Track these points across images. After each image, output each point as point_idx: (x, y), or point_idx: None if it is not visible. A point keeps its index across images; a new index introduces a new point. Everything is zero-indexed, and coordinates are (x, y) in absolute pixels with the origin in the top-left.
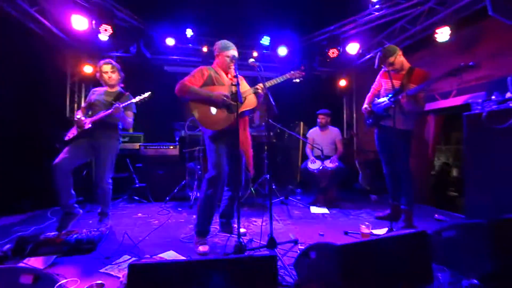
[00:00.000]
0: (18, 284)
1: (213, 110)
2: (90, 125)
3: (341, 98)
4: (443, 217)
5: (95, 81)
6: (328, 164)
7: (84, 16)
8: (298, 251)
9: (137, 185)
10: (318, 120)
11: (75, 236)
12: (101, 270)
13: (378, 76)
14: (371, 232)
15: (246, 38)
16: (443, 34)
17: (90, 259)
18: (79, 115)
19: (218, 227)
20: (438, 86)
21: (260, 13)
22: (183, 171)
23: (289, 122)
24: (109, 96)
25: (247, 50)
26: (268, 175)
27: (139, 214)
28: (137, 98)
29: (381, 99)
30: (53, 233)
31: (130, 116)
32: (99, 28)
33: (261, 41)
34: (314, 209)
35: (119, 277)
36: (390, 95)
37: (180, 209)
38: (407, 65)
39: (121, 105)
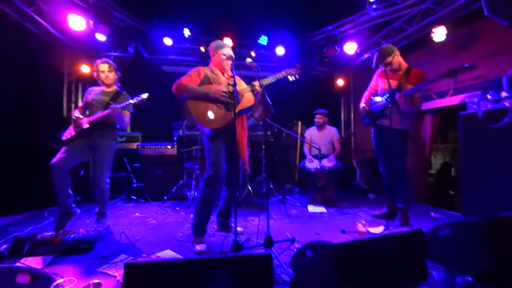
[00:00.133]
0: (14, 283)
1: (211, 108)
2: (87, 125)
3: (339, 97)
4: (439, 215)
5: (93, 81)
6: (326, 163)
7: (82, 15)
8: (295, 250)
9: (135, 185)
10: (316, 119)
11: (73, 235)
12: (98, 270)
13: (375, 76)
14: (368, 230)
15: (243, 37)
16: (439, 33)
17: (87, 259)
18: (76, 114)
19: (215, 226)
20: (434, 85)
21: (258, 13)
22: (181, 171)
23: (287, 121)
24: (106, 96)
25: (244, 50)
26: (265, 174)
27: (137, 214)
28: (135, 99)
29: (378, 98)
30: (50, 233)
31: (127, 116)
32: (96, 28)
33: (259, 41)
34: (312, 208)
35: (116, 277)
36: (386, 95)
37: (178, 208)
38: (404, 65)
39: (119, 106)
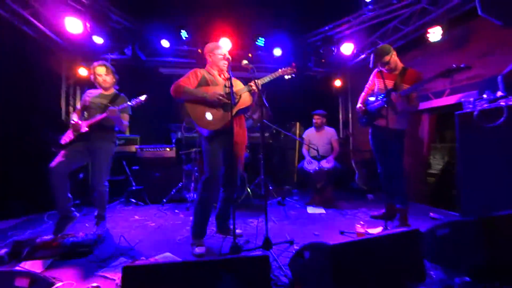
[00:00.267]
0: (14, 286)
1: (208, 110)
2: (86, 129)
3: (337, 98)
4: (438, 215)
5: (90, 84)
6: (324, 164)
7: (79, 18)
8: (294, 251)
9: (134, 188)
10: (314, 120)
11: (72, 239)
12: (97, 273)
13: (372, 76)
14: (366, 231)
15: (240, 39)
16: (435, 34)
17: (87, 262)
18: (75, 117)
19: (214, 228)
20: (431, 85)
21: (254, 14)
22: (180, 173)
23: (285, 122)
24: (104, 99)
25: (241, 51)
26: (264, 176)
27: (136, 217)
28: (133, 102)
29: (374, 99)
30: (49, 237)
31: (126, 119)
32: (93, 30)
33: (256, 42)
34: (311, 209)
35: (115, 280)
36: (382, 95)
37: (177, 211)
38: (400, 65)
39: (117, 108)
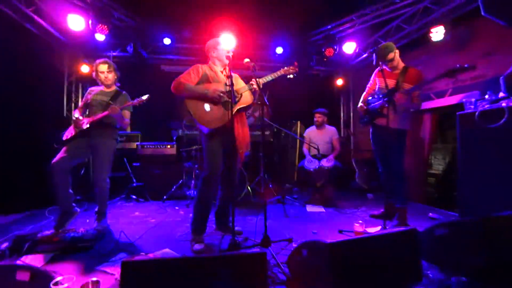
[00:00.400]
0: (14, 281)
1: (209, 107)
2: (87, 126)
3: (338, 97)
4: (437, 215)
5: (92, 81)
6: (325, 163)
7: (81, 15)
8: (292, 249)
9: (134, 184)
10: (315, 118)
11: (72, 234)
12: (97, 268)
13: (373, 75)
14: (365, 230)
15: (242, 37)
16: (438, 33)
17: (87, 257)
18: (76, 114)
19: (214, 225)
20: (433, 85)
21: (256, 12)
22: (180, 170)
23: (287, 121)
24: (106, 96)
25: (243, 50)
26: (264, 174)
27: (136, 213)
28: (136, 101)
29: (375, 98)
30: (50, 232)
31: (127, 116)
32: (95, 28)
33: (257, 41)
34: (310, 208)
35: (114, 275)
36: (382, 95)
37: (177, 207)
38: (401, 64)
39: (119, 107)
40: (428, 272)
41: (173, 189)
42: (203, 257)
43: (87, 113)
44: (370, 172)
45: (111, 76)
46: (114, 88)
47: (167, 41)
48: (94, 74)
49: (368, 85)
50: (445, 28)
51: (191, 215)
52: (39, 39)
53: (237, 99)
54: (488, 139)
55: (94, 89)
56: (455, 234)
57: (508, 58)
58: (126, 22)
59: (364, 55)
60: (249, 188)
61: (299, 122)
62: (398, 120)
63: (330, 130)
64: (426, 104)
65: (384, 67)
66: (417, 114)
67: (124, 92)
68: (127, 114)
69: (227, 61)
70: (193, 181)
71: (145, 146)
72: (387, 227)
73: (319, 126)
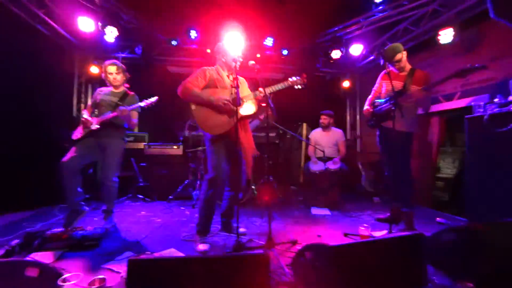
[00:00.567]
0: (24, 276)
1: (213, 114)
2: (97, 126)
3: (345, 99)
4: (445, 220)
5: (101, 81)
6: (330, 165)
7: (91, 18)
8: (296, 251)
9: (141, 184)
10: (321, 120)
11: (81, 232)
12: (104, 266)
13: (379, 78)
14: (371, 234)
15: (249, 39)
16: (446, 35)
17: (94, 255)
18: (85, 114)
19: (219, 226)
20: (441, 88)
21: (263, 14)
22: (186, 171)
23: (292, 123)
24: (114, 97)
25: (249, 51)
26: (269, 176)
27: (143, 212)
28: (144, 103)
29: (381, 100)
30: (59, 229)
31: (135, 117)
32: (105, 30)
33: (264, 42)
34: (315, 210)
35: (120, 273)
36: (389, 98)
37: (182, 208)
38: (408, 66)
39: (127, 108)
40: (434, 277)
41: (178, 190)
42: (208, 257)
43: (96, 113)
44: (376, 175)
45: (120, 77)
46: (122, 89)
47: (174, 42)
48: (103, 75)
49: (374, 88)
50: (453, 31)
51: (196, 215)
52: (50, 41)
53: (240, 107)
54: (497, 143)
55: (103, 89)
56: (462, 239)
57: None
58: (135, 24)
59: (371, 57)
60: (254, 189)
61: (304, 124)
62: (405, 122)
63: (337, 132)
64: (434, 107)
65: (390, 68)
66: (424, 117)
67: (132, 93)
68: (135, 114)
69: (232, 66)
70: (198, 182)
71: (152, 147)
72: (393, 231)
73: (325, 128)
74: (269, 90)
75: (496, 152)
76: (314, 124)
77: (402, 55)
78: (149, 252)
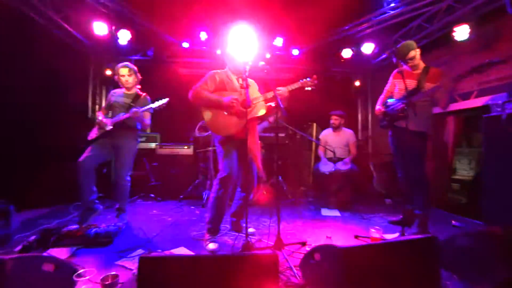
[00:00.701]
0: (41, 270)
1: (222, 115)
2: (111, 127)
3: (356, 99)
4: (460, 223)
5: (115, 83)
6: (341, 166)
7: (104, 22)
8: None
9: (152, 183)
10: (331, 121)
11: (95, 230)
12: (116, 262)
13: (391, 78)
14: (382, 236)
15: (258, 39)
16: (461, 32)
17: (107, 252)
18: (100, 116)
19: (229, 226)
20: (458, 86)
21: (273, 14)
22: (196, 171)
23: (302, 123)
24: (127, 98)
25: (259, 52)
26: (279, 176)
27: (154, 211)
28: (156, 104)
29: (393, 100)
30: (74, 227)
31: (147, 117)
32: (118, 33)
33: (273, 42)
34: (325, 211)
35: (132, 269)
36: (402, 97)
37: (193, 207)
38: (422, 64)
39: (140, 110)
40: (448, 282)
41: (189, 189)
42: (217, 256)
43: (109, 114)
44: (388, 176)
45: (132, 79)
46: (134, 90)
47: (185, 44)
48: (116, 77)
49: (386, 88)
50: (469, 27)
51: (206, 214)
52: (66, 44)
53: (250, 108)
54: None
55: (117, 91)
56: (477, 243)
57: None
58: (147, 27)
59: (383, 56)
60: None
61: (315, 124)
62: (419, 122)
63: (347, 133)
64: (450, 106)
65: (404, 67)
66: (440, 117)
67: (144, 94)
68: (147, 115)
69: (244, 72)
70: (208, 182)
71: (164, 147)
72: (406, 234)
73: (336, 128)
74: (279, 92)
75: None
76: (324, 124)
77: (416, 53)
78: (160, 250)
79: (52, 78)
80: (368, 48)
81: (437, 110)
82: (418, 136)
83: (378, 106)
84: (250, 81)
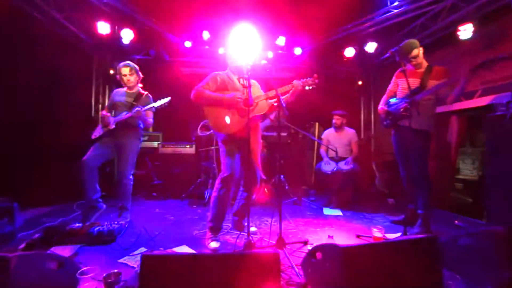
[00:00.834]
0: (44, 268)
1: (224, 114)
2: (114, 126)
3: (359, 98)
4: (463, 223)
5: (118, 83)
6: (343, 165)
7: (107, 21)
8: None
9: (155, 182)
10: (333, 120)
11: (97, 228)
12: (119, 260)
13: (394, 77)
14: (384, 236)
15: (260, 38)
16: (466, 31)
17: (110, 250)
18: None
19: (230, 224)
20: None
21: (275, 13)
22: (198, 170)
23: (305, 122)
24: (129, 97)
25: (261, 51)
26: (281, 175)
27: (156, 210)
28: (158, 103)
29: (395, 100)
30: (77, 225)
31: (150, 116)
32: (121, 33)
33: (276, 41)
34: (327, 211)
35: (135, 267)
36: (406, 96)
37: (195, 206)
38: (425, 63)
39: (142, 109)
40: (450, 282)
41: (191, 188)
42: (218, 255)
43: (112, 113)
44: (391, 176)
45: (133, 78)
46: (137, 89)
47: (188, 44)
48: (118, 76)
49: (389, 87)
50: (473, 26)
51: (208, 213)
52: (69, 44)
53: (252, 107)
54: None
55: (119, 90)
56: (480, 243)
57: None
58: (149, 26)
59: (386, 55)
60: (265, 189)
61: (317, 124)
62: (422, 121)
63: (349, 132)
64: (453, 105)
65: (407, 66)
66: (443, 116)
67: (146, 93)
68: (149, 114)
69: (246, 72)
70: (210, 181)
71: (166, 146)
72: (408, 234)
73: (338, 128)
74: (281, 91)
75: None
76: (327, 124)
77: (419, 51)
78: (162, 248)
79: (56, 77)
80: (371, 47)
81: (440, 109)
82: (421, 135)
83: (381, 106)
84: (252, 81)
